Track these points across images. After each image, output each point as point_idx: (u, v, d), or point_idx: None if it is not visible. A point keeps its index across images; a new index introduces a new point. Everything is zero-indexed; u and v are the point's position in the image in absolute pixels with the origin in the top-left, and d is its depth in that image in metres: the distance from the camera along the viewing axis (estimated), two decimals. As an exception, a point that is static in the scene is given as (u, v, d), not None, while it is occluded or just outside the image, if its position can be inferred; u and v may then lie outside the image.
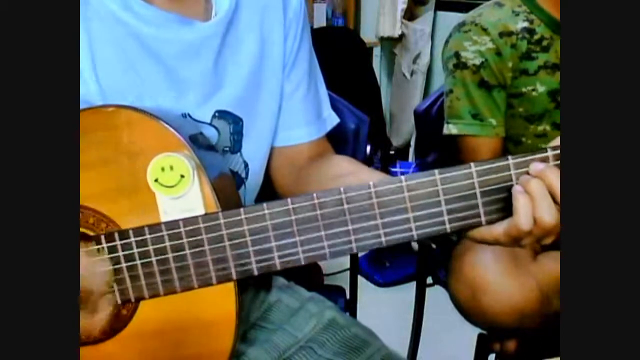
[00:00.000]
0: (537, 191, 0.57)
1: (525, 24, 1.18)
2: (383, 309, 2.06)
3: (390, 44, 3.07)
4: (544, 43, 1.17)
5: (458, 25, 1.23)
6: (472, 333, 1.23)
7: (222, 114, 0.77)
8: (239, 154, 0.81)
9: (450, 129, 1.23)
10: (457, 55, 1.20)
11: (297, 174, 0.85)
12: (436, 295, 1.46)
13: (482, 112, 1.20)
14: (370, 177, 0.72)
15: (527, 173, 0.58)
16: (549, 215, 0.57)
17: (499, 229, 0.60)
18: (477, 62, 1.18)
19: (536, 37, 1.18)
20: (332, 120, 0.91)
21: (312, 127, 0.87)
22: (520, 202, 0.57)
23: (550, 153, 0.58)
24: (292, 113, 0.85)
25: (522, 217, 0.57)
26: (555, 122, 1.20)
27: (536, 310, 1.05)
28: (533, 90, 1.18)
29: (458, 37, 1.21)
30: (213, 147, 0.74)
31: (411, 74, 2.96)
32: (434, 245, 1.41)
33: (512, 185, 0.58)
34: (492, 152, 1.21)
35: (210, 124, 0.77)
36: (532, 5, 1.19)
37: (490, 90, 1.19)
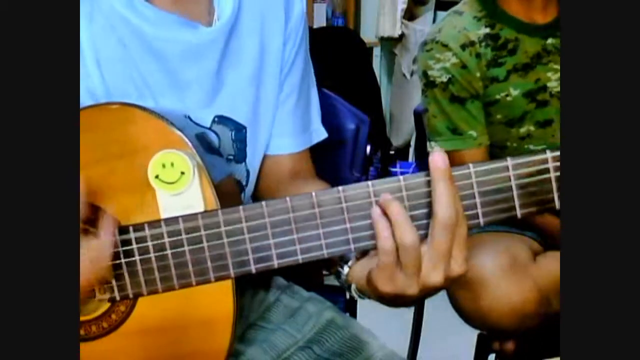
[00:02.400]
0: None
1: (487, 30, 1.17)
2: (383, 309, 2.06)
3: (390, 44, 3.07)
4: (510, 46, 1.17)
5: (422, 44, 1.23)
6: (472, 333, 1.23)
7: (222, 120, 0.77)
8: (244, 163, 0.81)
9: (432, 146, 1.23)
10: (425, 74, 1.20)
11: (276, 188, 0.84)
12: (436, 296, 1.45)
13: (460, 126, 1.20)
14: None
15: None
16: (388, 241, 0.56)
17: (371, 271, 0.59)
18: (445, 79, 1.17)
19: (500, 41, 1.17)
20: (318, 134, 0.90)
21: (296, 139, 0.86)
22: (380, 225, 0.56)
23: (549, 155, 0.58)
24: (278, 122, 0.84)
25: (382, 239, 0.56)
26: (538, 121, 1.19)
27: (536, 312, 1.05)
28: (507, 95, 1.18)
29: (423, 57, 1.21)
30: (216, 149, 0.74)
31: (411, 74, 2.96)
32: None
33: (511, 187, 0.58)
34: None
35: (209, 129, 0.76)
36: (493, 9, 1.18)
37: (464, 103, 1.18)
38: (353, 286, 0.66)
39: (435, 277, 0.57)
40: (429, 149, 1.24)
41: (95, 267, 0.59)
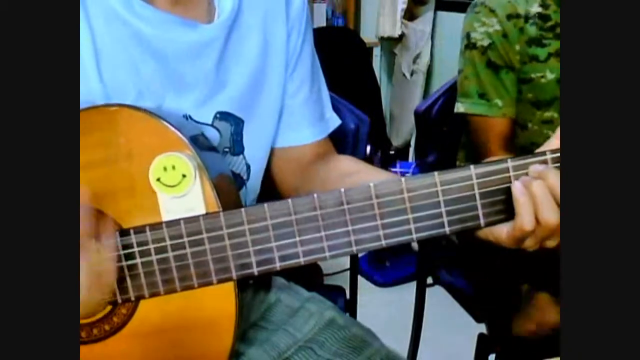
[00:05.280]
0: (540, 192, 0.57)
1: (540, 9, 1.17)
2: (383, 309, 2.07)
3: (390, 44, 3.07)
4: (558, 30, 1.16)
5: (472, 5, 1.23)
6: (472, 333, 1.23)
7: (223, 115, 0.77)
8: (241, 155, 0.80)
9: (458, 107, 1.24)
10: (467, 35, 1.21)
11: (302, 175, 0.85)
12: (436, 295, 1.46)
13: (489, 92, 1.20)
14: (375, 176, 0.72)
15: (526, 175, 0.58)
16: (553, 215, 0.57)
17: (501, 231, 0.60)
18: (485, 43, 1.18)
19: (550, 23, 1.16)
20: (334, 121, 0.91)
21: (316, 128, 0.87)
22: (521, 202, 0.57)
23: (549, 156, 0.58)
24: (295, 114, 0.85)
25: (525, 217, 0.57)
26: None
27: None
28: (542, 77, 1.17)
29: (470, 18, 1.21)
30: (214, 148, 0.74)
31: (411, 74, 2.96)
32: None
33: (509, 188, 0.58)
34: (499, 132, 1.21)
35: (211, 125, 0.76)
36: None
37: (498, 71, 1.19)
38: None
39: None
40: (455, 109, 1.25)
41: (101, 283, 0.59)
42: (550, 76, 1.17)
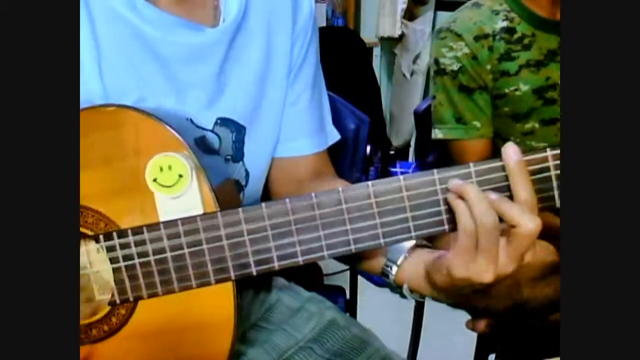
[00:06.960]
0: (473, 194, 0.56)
1: (505, 24, 1.17)
2: (383, 309, 2.06)
3: (390, 44, 3.07)
4: (525, 41, 1.17)
5: (436, 31, 1.24)
6: (472, 333, 1.22)
7: (224, 122, 0.77)
8: (241, 162, 0.80)
9: (436, 133, 1.24)
10: (436, 62, 1.22)
11: (297, 190, 0.83)
12: (436, 296, 1.45)
13: (465, 115, 1.21)
14: None
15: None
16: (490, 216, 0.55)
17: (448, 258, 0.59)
18: (455, 67, 1.18)
19: (516, 35, 1.17)
20: (333, 136, 0.90)
21: (314, 140, 0.86)
22: (460, 207, 0.56)
23: (549, 153, 0.57)
24: (293, 123, 0.84)
25: (463, 218, 0.56)
26: (544, 119, 1.19)
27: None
28: (516, 90, 1.18)
29: (436, 44, 1.22)
30: (216, 151, 0.74)
31: (411, 74, 2.96)
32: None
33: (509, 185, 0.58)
34: (479, 153, 1.22)
35: (212, 131, 0.76)
36: (513, 2, 1.18)
37: (471, 93, 1.19)
38: (405, 286, 0.65)
39: (509, 266, 0.57)
40: (433, 135, 1.25)
41: None
42: (524, 88, 1.18)
